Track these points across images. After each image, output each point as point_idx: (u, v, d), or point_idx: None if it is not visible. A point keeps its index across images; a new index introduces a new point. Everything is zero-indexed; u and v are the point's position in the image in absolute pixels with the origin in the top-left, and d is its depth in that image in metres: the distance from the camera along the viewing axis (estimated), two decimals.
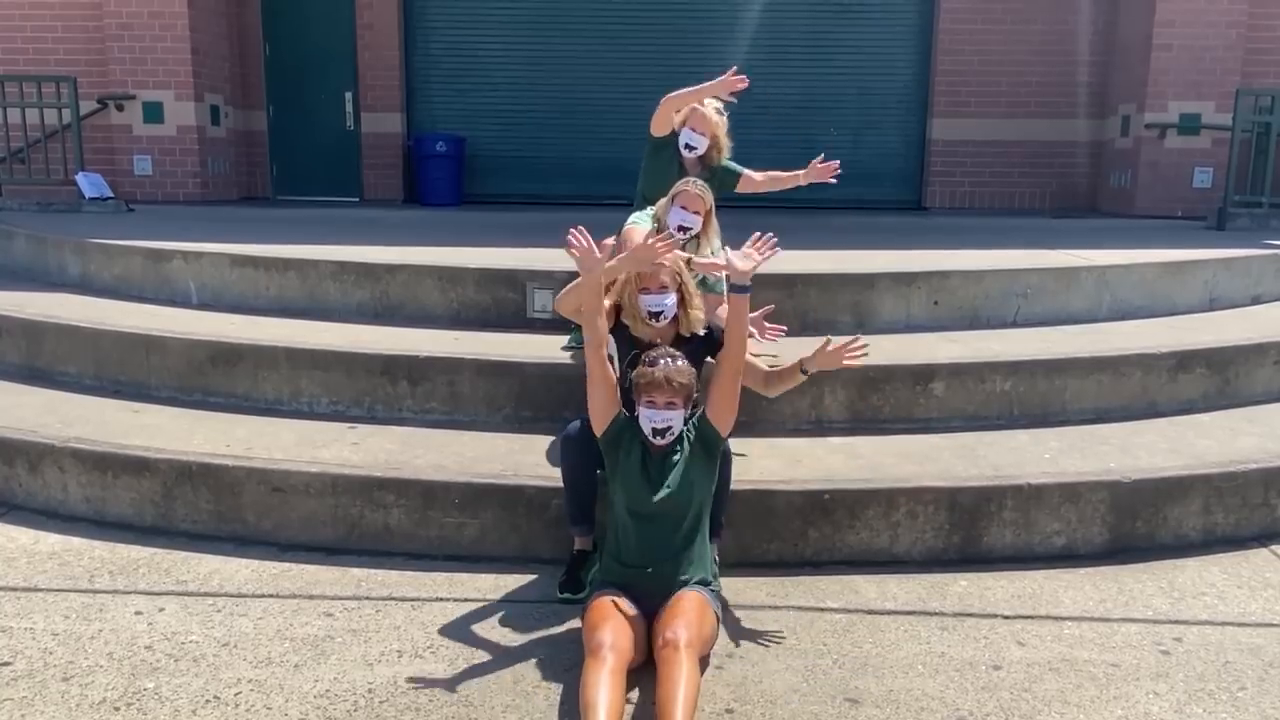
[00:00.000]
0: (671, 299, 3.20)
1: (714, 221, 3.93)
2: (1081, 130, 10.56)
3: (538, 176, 11.04)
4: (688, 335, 3.29)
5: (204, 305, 5.44)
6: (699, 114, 4.25)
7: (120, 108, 9.76)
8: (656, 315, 3.21)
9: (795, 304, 4.89)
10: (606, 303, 3.27)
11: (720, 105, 4.33)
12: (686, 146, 4.29)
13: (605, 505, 3.16)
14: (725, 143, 4.36)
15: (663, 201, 3.89)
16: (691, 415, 3.03)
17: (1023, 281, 5.21)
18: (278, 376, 4.42)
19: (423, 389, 4.28)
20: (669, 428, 2.91)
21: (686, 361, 2.98)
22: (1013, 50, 10.44)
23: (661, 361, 2.93)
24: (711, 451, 3.02)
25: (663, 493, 2.92)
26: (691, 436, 3.01)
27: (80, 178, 8.76)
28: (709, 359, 3.32)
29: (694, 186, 3.80)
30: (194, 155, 9.89)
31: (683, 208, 3.77)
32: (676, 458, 2.97)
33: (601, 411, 3.02)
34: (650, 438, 2.94)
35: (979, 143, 10.63)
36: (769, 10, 10.68)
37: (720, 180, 4.36)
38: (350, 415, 4.32)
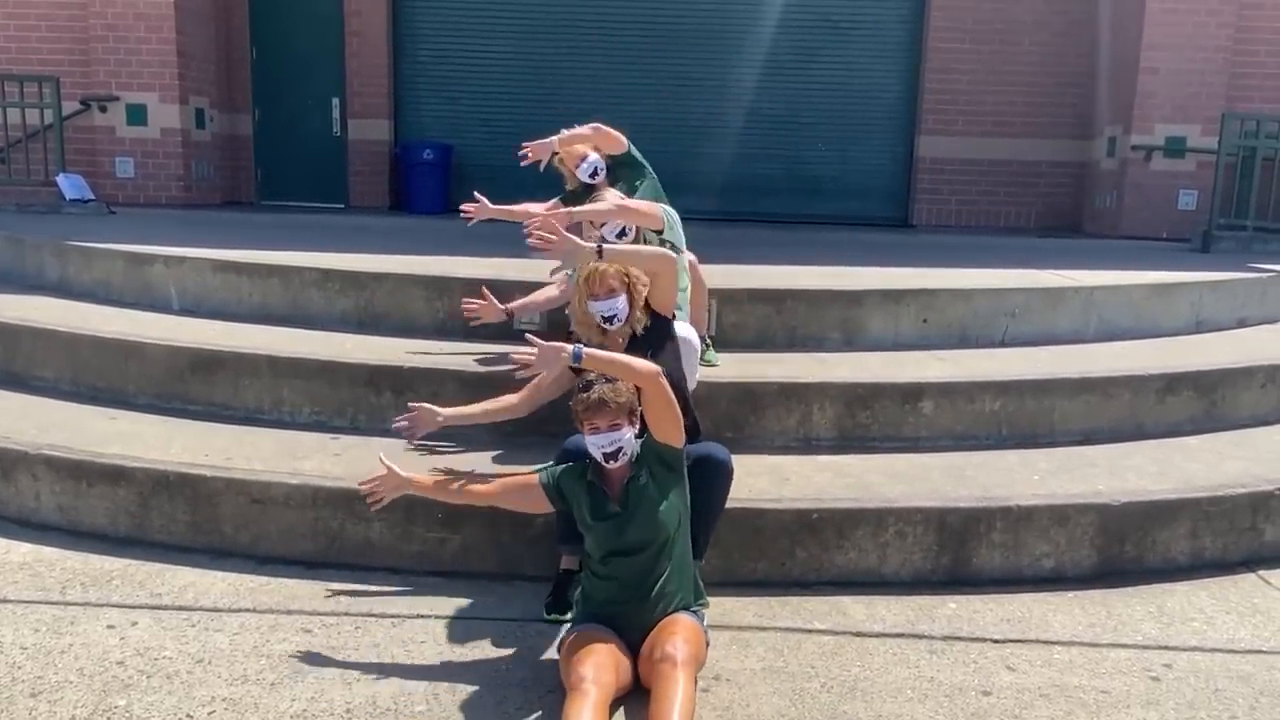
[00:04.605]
0: (622, 300, 3.19)
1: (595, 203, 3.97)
2: (1068, 151, 10.62)
3: (525, 185, 10.95)
4: (639, 333, 3.27)
5: (185, 311, 5.36)
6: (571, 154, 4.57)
7: (103, 109, 9.64)
8: (610, 319, 3.20)
9: (784, 319, 4.89)
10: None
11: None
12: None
13: None
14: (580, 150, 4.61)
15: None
16: (641, 435, 2.91)
17: (1011, 301, 5.20)
18: (259, 385, 4.34)
19: (407, 400, 4.20)
20: (619, 449, 2.81)
21: (621, 381, 2.84)
22: (1000, 70, 10.50)
23: (596, 385, 2.83)
24: (674, 465, 2.91)
25: (633, 524, 2.80)
26: (649, 458, 2.89)
27: (61, 179, 8.65)
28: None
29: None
30: (177, 158, 9.78)
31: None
32: (642, 482, 2.86)
33: (532, 505, 3.05)
34: (604, 464, 2.84)
35: (966, 161, 10.68)
36: (757, 26, 10.69)
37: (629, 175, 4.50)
38: (333, 426, 4.25)
